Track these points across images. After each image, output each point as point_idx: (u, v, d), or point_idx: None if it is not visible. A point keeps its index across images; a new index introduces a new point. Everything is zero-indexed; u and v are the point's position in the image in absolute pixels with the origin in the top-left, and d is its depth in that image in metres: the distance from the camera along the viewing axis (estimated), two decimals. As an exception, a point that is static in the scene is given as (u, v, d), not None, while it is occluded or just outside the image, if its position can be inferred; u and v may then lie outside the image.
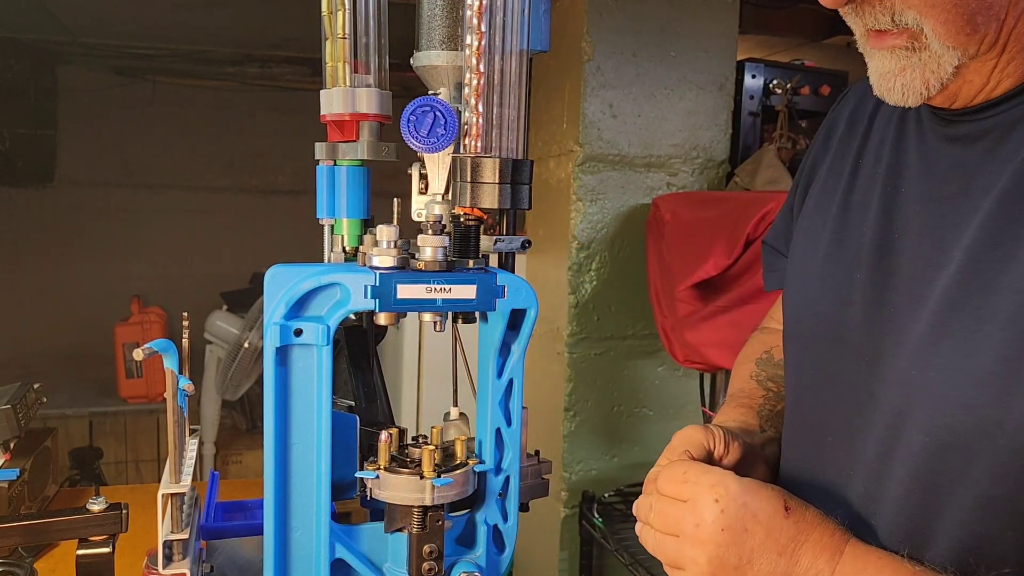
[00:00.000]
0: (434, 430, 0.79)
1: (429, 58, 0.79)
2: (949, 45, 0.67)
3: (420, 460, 0.76)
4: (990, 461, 0.66)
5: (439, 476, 0.75)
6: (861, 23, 0.72)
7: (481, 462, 0.81)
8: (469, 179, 0.74)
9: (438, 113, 0.75)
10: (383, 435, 0.77)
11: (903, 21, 0.68)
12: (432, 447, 0.76)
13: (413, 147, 0.77)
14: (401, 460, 0.78)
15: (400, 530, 0.77)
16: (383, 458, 0.76)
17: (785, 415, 0.93)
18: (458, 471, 0.77)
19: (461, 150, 0.76)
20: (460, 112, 0.76)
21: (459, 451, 0.80)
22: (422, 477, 0.75)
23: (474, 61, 0.72)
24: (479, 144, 0.74)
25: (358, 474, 0.77)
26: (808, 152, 0.97)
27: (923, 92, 0.70)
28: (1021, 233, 0.65)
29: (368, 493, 0.77)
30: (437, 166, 0.82)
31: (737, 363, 1.09)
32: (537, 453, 0.91)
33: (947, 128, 0.75)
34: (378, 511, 0.84)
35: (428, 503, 0.75)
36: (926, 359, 0.70)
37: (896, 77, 0.70)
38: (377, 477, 0.76)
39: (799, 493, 0.83)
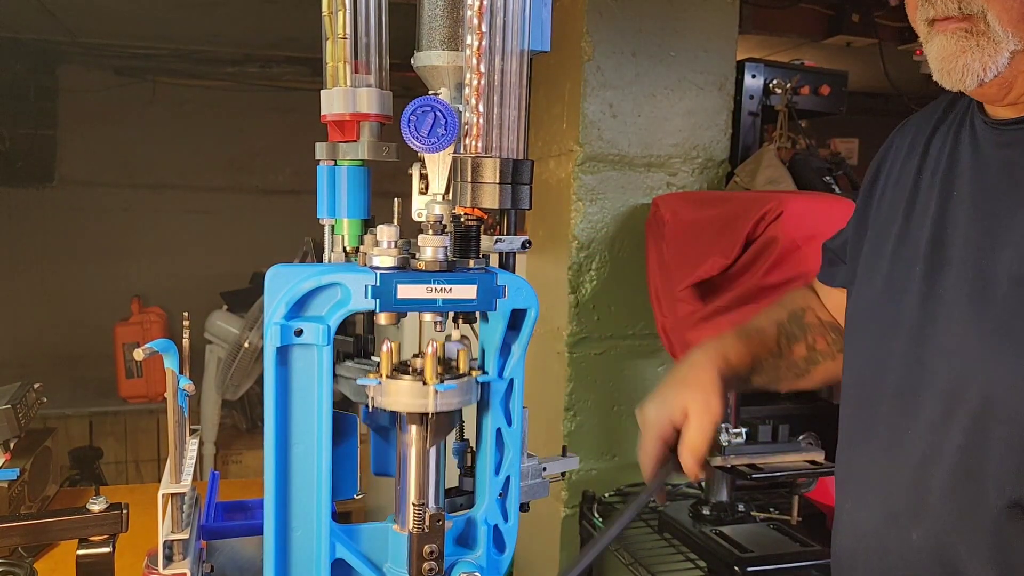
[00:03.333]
0: (437, 344, 0.78)
1: (430, 58, 0.79)
2: (1010, 31, 0.75)
3: (422, 369, 0.75)
4: None
5: (442, 382, 0.74)
6: (929, 11, 0.79)
7: (484, 372, 0.80)
8: (470, 179, 0.73)
9: (438, 113, 0.75)
10: (385, 345, 0.75)
11: (969, 9, 0.76)
12: (435, 354, 0.75)
13: (414, 147, 0.77)
14: (403, 368, 0.77)
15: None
16: (385, 367, 0.75)
17: (842, 396, 1.01)
18: (461, 379, 0.76)
19: (461, 150, 0.76)
20: (460, 112, 0.76)
21: (462, 362, 0.79)
22: (424, 383, 0.74)
23: (474, 61, 0.72)
24: (479, 144, 0.74)
25: (360, 381, 0.75)
26: (867, 176, 1.07)
27: (980, 74, 0.77)
28: None
29: (370, 403, 0.76)
30: (438, 166, 0.82)
31: (777, 303, 1.19)
32: (564, 449, 0.94)
33: (1000, 135, 0.84)
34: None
35: (431, 409, 0.74)
36: (979, 328, 0.78)
37: (957, 58, 0.78)
38: (379, 384, 0.75)
39: (857, 457, 0.95)
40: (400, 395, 0.74)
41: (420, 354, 0.76)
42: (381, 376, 0.74)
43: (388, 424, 0.83)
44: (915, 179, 0.95)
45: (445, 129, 0.76)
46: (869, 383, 0.94)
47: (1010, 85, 0.79)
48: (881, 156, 1.05)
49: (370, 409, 0.76)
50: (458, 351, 0.79)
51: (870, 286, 0.97)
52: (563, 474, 0.94)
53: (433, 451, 0.78)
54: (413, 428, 0.77)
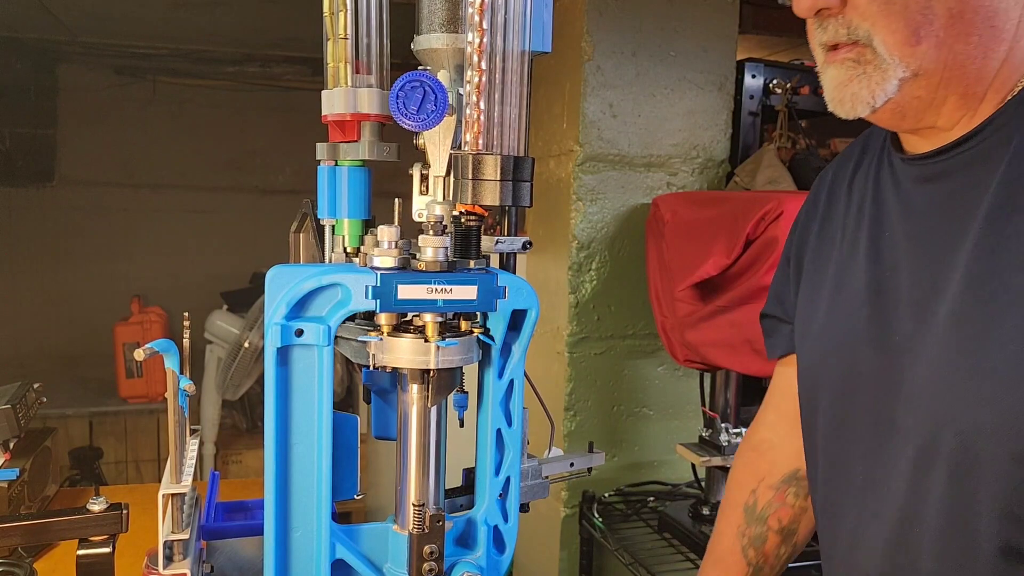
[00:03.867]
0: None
1: (429, 41, 0.79)
2: (896, 55, 0.75)
3: (423, 327, 0.75)
4: (1018, 448, 0.71)
5: (444, 339, 0.74)
6: (822, 36, 0.80)
7: (485, 330, 0.80)
8: (470, 176, 0.73)
9: (428, 89, 0.74)
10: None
11: (856, 35, 0.76)
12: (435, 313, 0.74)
13: (403, 125, 0.75)
14: (405, 326, 0.76)
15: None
16: (386, 325, 0.75)
17: (807, 461, 0.98)
18: (462, 336, 0.76)
19: (462, 147, 0.76)
20: (460, 96, 0.75)
21: (463, 323, 0.79)
22: (426, 340, 0.74)
23: (475, 59, 0.72)
24: (480, 142, 0.74)
25: (361, 338, 0.75)
26: (792, 230, 1.06)
27: (869, 101, 0.78)
28: (1011, 244, 0.72)
29: (371, 361, 0.76)
30: (438, 147, 0.81)
31: (728, 493, 1.17)
32: (591, 445, 0.95)
33: (919, 170, 0.83)
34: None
35: (432, 366, 0.74)
36: (945, 370, 0.76)
37: (847, 87, 0.79)
38: (381, 341, 0.75)
39: (838, 527, 0.90)
40: (401, 352, 0.74)
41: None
42: (383, 334, 0.74)
43: (389, 386, 0.83)
44: (841, 225, 0.94)
45: (435, 105, 0.74)
46: (838, 447, 0.90)
47: (903, 111, 0.79)
48: (804, 211, 1.04)
49: (371, 367, 0.75)
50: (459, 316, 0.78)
51: (813, 341, 0.94)
52: (589, 470, 0.95)
53: (434, 411, 0.78)
54: (414, 387, 0.76)
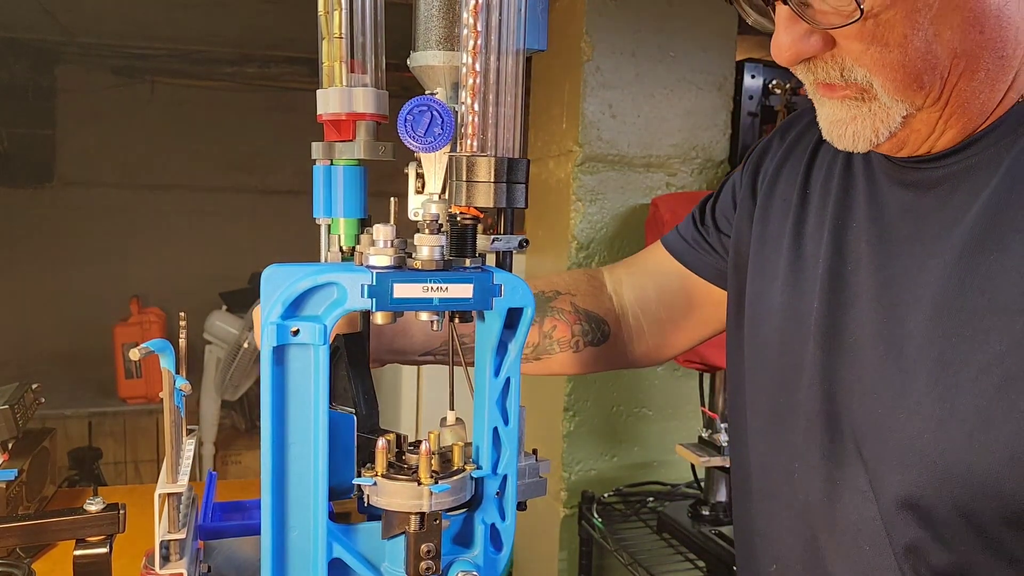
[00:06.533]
0: (431, 435, 0.79)
1: (426, 58, 0.79)
2: (898, 99, 0.70)
3: (417, 467, 0.76)
4: (959, 497, 0.69)
5: (436, 483, 0.75)
6: (811, 76, 0.75)
7: (478, 467, 0.81)
8: (464, 178, 0.73)
9: (435, 112, 0.75)
10: (380, 442, 0.77)
11: (852, 77, 0.71)
12: (429, 453, 0.76)
13: (410, 147, 0.77)
14: (399, 467, 0.78)
15: (398, 535, 0.76)
16: (380, 464, 0.76)
17: (732, 453, 0.97)
18: (455, 477, 0.77)
19: (457, 149, 0.76)
20: (456, 112, 0.76)
21: (456, 457, 0.80)
22: (419, 484, 0.75)
23: (470, 60, 0.72)
24: (474, 143, 0.74)
25: (356, 481, 0.77)
26: (747, 176, 1.00)
27: (872, 139, 0.73)
28: (985, 285, 0.69)
29: (365, 500, 0.77)
30: (434, 165, 0.82)
31: (542, 279, 1.12)
32: (535, 452, 0.91)
33: (899, 174, 0.79)
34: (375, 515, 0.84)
35: (426, 510, 0.75)
36: (895, 400, 0.73)
37: (847, 125, 0.74)
38: (375, 484, 0.76)
39: (768, 515, 0.88)
40: (395, 496, 0.75)
41: (414, 445, 0.78)
42: (376, 475, 0.76)
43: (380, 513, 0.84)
44: (802, 193, 0.89)
45: (442, 128, 0.76)
46: (772, 440, 0.88)
47: (903, 141, 0.74)
48: (756, 160, 0.99)
49: (366, 504, 0.77)
50: (453, 446, 0.80)
51: (766, 317, 0.91)
52: None
53: None
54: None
